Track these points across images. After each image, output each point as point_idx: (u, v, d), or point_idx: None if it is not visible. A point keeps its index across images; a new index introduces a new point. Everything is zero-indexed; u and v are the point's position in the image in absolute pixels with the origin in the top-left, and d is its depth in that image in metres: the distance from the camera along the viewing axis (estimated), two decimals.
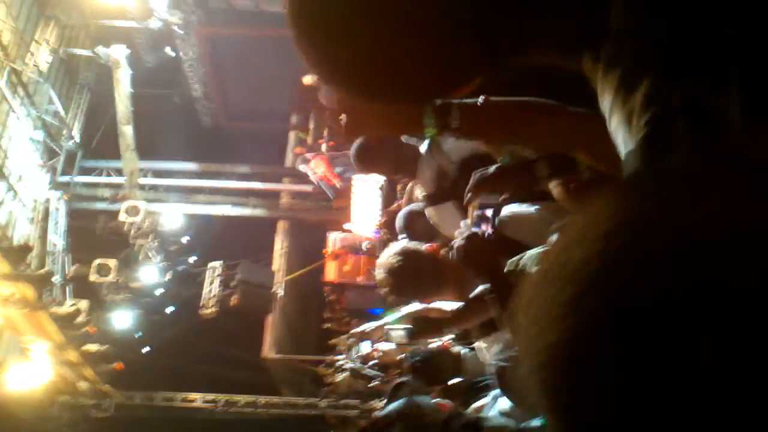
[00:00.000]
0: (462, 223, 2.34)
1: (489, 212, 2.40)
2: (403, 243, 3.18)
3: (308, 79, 12.88)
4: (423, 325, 3.22)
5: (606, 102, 0.81)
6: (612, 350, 0.42)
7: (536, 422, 2.42)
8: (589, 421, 0.44)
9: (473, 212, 2.33)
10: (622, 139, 0.78)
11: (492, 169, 2.11)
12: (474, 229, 2.29)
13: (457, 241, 2.28)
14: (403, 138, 3.26)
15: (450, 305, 3.23)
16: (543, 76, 1.09)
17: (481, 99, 1.46)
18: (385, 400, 3.61)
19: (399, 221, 3.72)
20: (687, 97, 0.70)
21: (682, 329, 0.40)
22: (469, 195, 2.14)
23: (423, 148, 3.17)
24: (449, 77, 0.87)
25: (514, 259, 2.29)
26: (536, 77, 1.16)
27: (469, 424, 2.29)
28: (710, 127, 0.68)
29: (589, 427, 0.44)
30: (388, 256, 2.99)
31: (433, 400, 3.17)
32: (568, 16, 0.83)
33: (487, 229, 2.34)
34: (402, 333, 3.41)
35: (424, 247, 3.06)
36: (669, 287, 0.41)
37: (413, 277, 2.97)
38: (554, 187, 2.11)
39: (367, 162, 3.38)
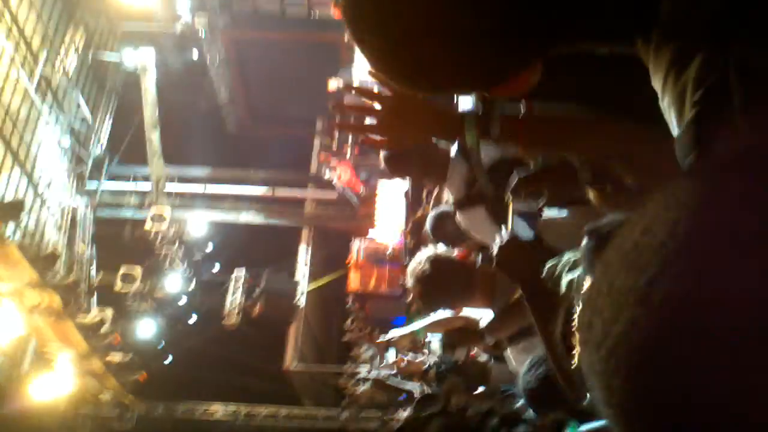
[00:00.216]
0: (500, 229, 2.29)
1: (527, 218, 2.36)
2: (432, 250, 3.14)
3: (333, 85, 12.88)
4: (459, 336, 3.18)
5: (658, 81, 0.80)
6: (688, 343, 0.40)
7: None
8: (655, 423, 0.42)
9: (511, 217, 2.29)
10: (675, 117, 0.77)
11: (533, 170, 2.07)
12: (513, 235, 2.25)
13: (495, 248, 2.23)
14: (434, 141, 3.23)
15: (477, 313, 3.17)
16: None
17: (522, 110, 1.45)
18: (409, 411, 3.59)
19: (428, 224, 3.69)
20: (743, 68, 0.67)
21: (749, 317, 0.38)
22: (510, 194, 2.11)
23: (453, 152, 3.12)
24: (506, 66, 0.88)
25: (549, 264, 2.24)
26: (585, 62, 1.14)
27: (507, 418, 2.24)
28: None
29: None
30: (417, 263, 2.95)
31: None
32: (620, 4, 0.83)
33: (526, 234, 2.30)
34: (437, 343, 3.39)
35: (454, 253, 3.01)
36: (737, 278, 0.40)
37: (442, 284, 2.94)
38: (593, 192, 2.05)
39: (397, 165, 3.35)
